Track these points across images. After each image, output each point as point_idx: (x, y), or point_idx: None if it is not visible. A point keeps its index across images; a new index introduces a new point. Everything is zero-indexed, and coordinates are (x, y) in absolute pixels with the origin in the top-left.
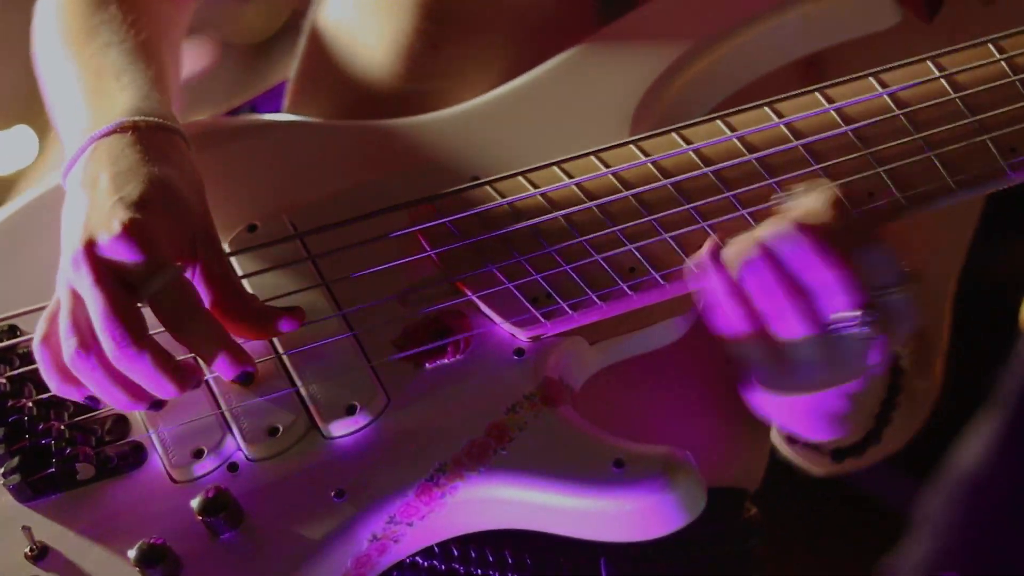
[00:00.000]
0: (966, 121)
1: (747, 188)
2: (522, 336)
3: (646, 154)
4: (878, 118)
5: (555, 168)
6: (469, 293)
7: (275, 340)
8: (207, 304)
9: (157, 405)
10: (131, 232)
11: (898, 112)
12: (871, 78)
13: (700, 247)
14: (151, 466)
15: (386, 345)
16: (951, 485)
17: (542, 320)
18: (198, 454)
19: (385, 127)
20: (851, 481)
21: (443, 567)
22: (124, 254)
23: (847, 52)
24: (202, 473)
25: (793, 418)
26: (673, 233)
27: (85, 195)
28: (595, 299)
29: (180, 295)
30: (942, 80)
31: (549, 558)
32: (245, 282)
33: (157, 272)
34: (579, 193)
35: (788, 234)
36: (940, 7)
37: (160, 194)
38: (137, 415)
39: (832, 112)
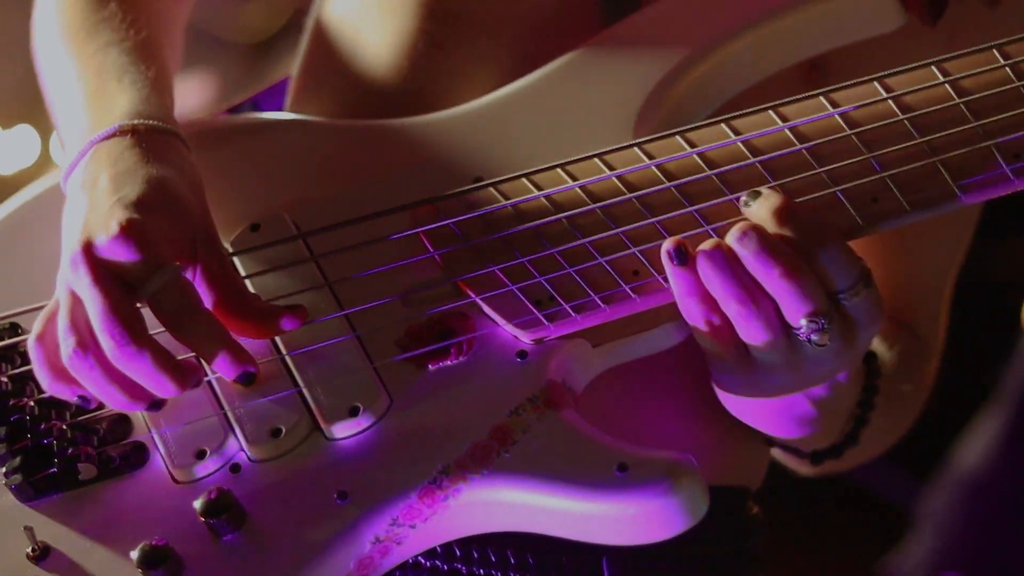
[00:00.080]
0: (969, 126)
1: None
2: (525, 338)
3: (650, 157)
4: (881, 122)
5: (558, 170)
6: (472, 294)
7: (278, 341)
8: (208, 304)
9: (156, 405)
10: (129, 232)
11: (902, 117)
12: (875, 83)
13: None
14: (153, 466)
15: (389, 346)
16: (953, 484)
17: (545, 322)
18: (200, 455)
19: (388, 127)
20: (853, 480)
21: (445, 567)
22: (122, 254)
23: (850, 55)
24: (204, 474)
25: (759, 417)
26: (677, 236)
27: (85, 197)
28: (598, 301)
29: (180, 295)
30: (946, 85)
31: (551, 558)
32: (247, 282)
33: (156, 272)
34: (582, 195)
35: (740, 241)
36: (944, 10)
37: (159, 194)
38: (139, 415)
39: (837, 116)
